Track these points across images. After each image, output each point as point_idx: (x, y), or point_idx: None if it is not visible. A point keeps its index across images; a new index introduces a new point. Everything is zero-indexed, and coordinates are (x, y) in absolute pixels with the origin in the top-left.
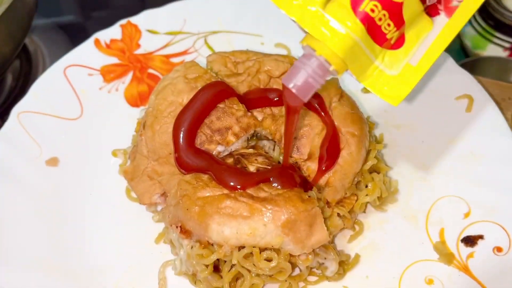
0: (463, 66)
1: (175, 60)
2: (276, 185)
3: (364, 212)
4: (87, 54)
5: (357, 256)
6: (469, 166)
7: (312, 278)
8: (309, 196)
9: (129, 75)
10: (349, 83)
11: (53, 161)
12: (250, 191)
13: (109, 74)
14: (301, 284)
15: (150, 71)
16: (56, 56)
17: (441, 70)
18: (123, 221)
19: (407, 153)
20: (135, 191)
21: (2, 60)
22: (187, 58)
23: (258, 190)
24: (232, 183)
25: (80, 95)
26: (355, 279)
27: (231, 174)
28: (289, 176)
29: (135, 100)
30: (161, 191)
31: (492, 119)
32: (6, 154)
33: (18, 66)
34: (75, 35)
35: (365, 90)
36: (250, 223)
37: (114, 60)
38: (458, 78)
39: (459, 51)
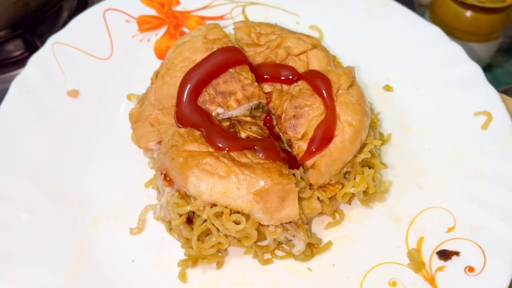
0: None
1: (208, 22)
2: (261, 155)
3: (349, 204)
4: (128, 1)
5: (329, 243)
6: (469, 183)
7: (280, 253)
8: (292, 174)
9: (163, 29)
10: (371, 77)
11: (74, 93)
12: (233, 154)
13: (144, 24)
14: (268, 256)
15: (184, 29)
16: None
17: (468, 82)
18: (122, 161)
19: (411, 157)
20: (135, 134)
21: None
22: (222, 23)
23: (241, 155)
24: (219, 143)
25: (113, 38)
26: (321, 264)
27: (220, 135)
28: (275, 149)
29: (163, 53)
30: (158, 139)
31: (506, 142)
32: (33, 76)
33: (75, 5)
34: None
35: (387, 88)
36: (225, 184)
37: (152, 11)
38: (482, 93)
39: None
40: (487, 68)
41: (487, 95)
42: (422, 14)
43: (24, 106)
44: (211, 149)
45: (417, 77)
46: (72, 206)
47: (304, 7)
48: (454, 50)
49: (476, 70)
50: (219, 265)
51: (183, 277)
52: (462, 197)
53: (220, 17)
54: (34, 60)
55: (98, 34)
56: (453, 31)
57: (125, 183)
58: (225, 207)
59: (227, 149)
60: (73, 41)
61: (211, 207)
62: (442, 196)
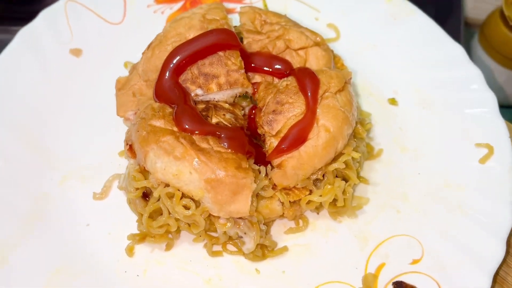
0: None
1: (228, 5)
2: (225, 144)
3: (317, 213)
4: None
5: (284, 249)
6: (449, 217)
7: (232, 249)
8: (258, 170)
9: (179, 4)
10: (378, 86)
11: (76, 52)
12: (195, 137)
13: None
14: (218, 248)
15: None
16: None
17: (478, 111)
18: (105, 126)
19: (397, 178)
20: (117, 101)
21: None
22: (239, 7)
23: (202, 140)
24: (184, 124)
25: (127, 5)
26: (270, 268)
27: (187, 116)
28: (240, 141)
29: None
30: (136, 110)
31: (501, 182)
32: (40, 29)
33: None
34: None
35: (392, 101)
36: (179, 165)
37: None
38: (489, 125)
39: None
40: None
41: (495, 127)
42: (470, 34)
43: (23, 56)
44: (175, 129)
45: (426, 95)
46: (45, 160)
47: (326, 3)
48: (472, 74)
49: (490, 99)
50: (168, 247)
51: (130, 251)
52: (437, 230)
53: (239, 1)
54: (45, 14)
55: None
56: (502, 58)
57: (102, 148)
58: (178, 190)
59: (192, 131)
60: (87, 1)
61: (165, 187)
62: (417, 225)
